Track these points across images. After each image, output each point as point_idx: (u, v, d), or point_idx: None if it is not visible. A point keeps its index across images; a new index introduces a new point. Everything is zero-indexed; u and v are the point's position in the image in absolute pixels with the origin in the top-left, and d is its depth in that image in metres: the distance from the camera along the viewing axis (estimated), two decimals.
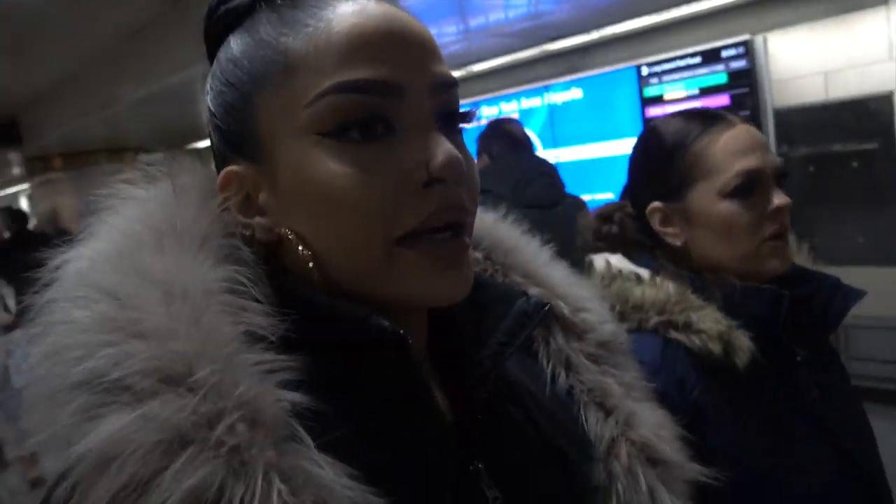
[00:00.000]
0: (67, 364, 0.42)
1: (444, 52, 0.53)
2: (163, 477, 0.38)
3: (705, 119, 1.01)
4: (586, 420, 0.65)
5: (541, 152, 4.90)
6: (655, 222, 1.03)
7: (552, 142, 5.44)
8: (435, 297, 0.50)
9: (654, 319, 0.96)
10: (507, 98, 5.73)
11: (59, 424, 0.40)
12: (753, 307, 0.93)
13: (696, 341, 0.93)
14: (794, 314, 0.97)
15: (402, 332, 0.47)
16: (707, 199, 0.98)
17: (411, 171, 0.47)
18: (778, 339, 0.95)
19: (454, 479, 0.51)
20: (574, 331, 0.68)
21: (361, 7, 0.50)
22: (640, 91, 4.83)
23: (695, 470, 0.67)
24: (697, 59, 4.54)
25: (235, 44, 0.53)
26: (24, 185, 9.74)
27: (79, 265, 0.47)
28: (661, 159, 1.03)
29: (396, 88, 0.48)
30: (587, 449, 0.63)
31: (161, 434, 0.39)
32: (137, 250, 0.47)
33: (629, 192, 1.10)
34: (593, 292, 0.73)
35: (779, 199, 0.96)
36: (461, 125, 0.53)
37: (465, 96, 5.31)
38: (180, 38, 4.09)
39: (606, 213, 1.11)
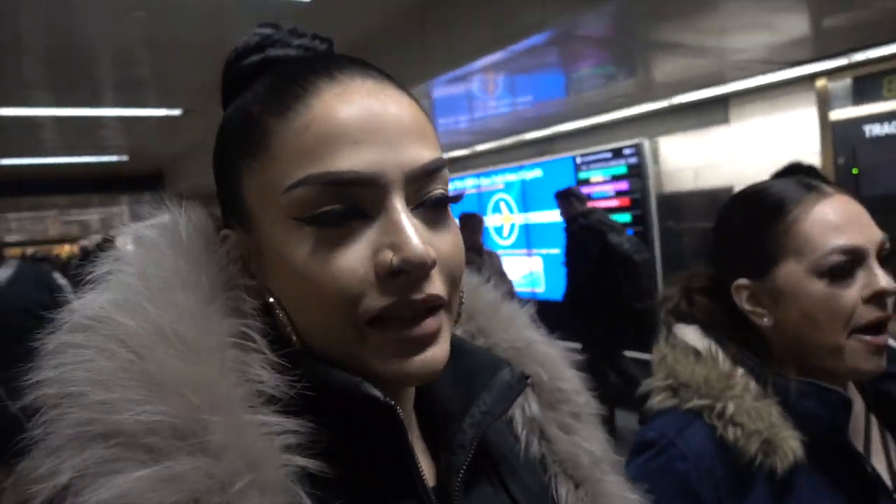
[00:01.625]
0: (87, 412, 0.41)
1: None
2: None
3: (799, 188, 0.92)
4: (557, 491, 0.64)
5: (518, 215, 6.97)
6: (743, 302, 0.93)
7: (524, 207, 7.15)
8: (406, 377, 0.50)
9: (693, 401, 0.89)
10: (495, 173, 7.53)
11: (73, 473, 0.39)
12: (813, 408, 0.82)
13: (730, 434, 0.84)
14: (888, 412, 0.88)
15: (392, 402, 0.48)
16: (797, 278, 0.87)
17: (378, 261, 0.48)
18: (843, 448, 0.84)
19: None
20: (549, 399, 0.67)
21: (342, 89, 0.50)
22: (576, 174, 6.48)
23: None
24: (609, 155, 6.15)
25: (233, 110, 0.55)
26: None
27: (94, 311, 0.47)
28: (746, 232, 0.94)
29: (370, 180, 0.48)
30: None
31: (177, 496, 0.39)
32: (150, 301, 0.47)
33: (715, 265, 1.00)
34: (567, 359, 0.71)
35: (884, 281, 0.84)
36: (447, 203, 0.53)
37: (470, 167, 7.15)
38: None
39: (687, 289, 1.01)
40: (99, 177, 9.32)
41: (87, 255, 4.27)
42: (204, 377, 0.44)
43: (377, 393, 0.48)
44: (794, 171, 1.03)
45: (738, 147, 5.41)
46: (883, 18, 3.66)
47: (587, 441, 0.67)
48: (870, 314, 0.84)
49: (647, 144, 5.88)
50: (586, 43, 3.71)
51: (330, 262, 0.48)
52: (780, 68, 4.70)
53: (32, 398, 0.43)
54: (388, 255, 0.48)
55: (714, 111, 5.49)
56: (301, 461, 0.45)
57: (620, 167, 6.08)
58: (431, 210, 0.51)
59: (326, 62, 0.53)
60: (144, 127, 6.34)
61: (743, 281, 0.93)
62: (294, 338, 0.51)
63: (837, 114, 4.77)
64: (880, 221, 0.95)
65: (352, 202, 0.49)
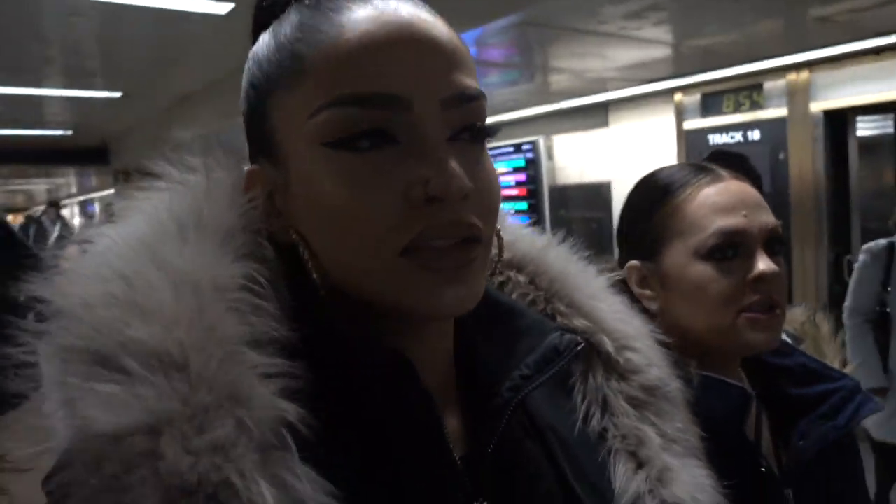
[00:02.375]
0: (70, 332, 0.42)
1: None
2: (144, 461, 0.38)
3: (691, 172, 0.92)
4: (614, 469, 0.59)
5: None
6: (632, 282, 0.93)
7: None
8: (437, 309, 0.47)
9: None
10: None
11: (56, 385, 0.41)
12: (714, 403, 0.80)
13: None
14: (794, 414, 0.90)
15: (404, 355, 0.47)
16: (681, 259, 0.87)
17: (411, 187, 0.46)
18: (741, 444, 0.84)
19: None
20: (616, 370, 0.63)
21: (378, 13, 0.48)
22: None
23: None
24: (511, 149, 6.95)
25: (261, 44, 0.53)
26: (112, 191, 12.77)
27: (101, 245, 0.48)
28: (639, 214, 0.95)
29: (401, 101, 0.46)
30: (608, 500, 0.58)
31: (146, 414, 0.39)
32: (159, 238, 0.47)
33: (619, 247, 1.01)
34: (646, 332, 0.67)
35: (763, 264, 0.84)
36: (484, 138, 0.51)
37: None
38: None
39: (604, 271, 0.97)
40: (44, 149, 9.66)
41: (31, 222, 4.72)
42: (198, 313, 0.43)
43: (394, 349, 0.47)
44: (719, 158, 1.05)
45: (615, 147, 6.25)
46: (725, 48, 4.50)
47: (659, 418, 0.62)
48: (753, 296, 0.84)
49: (542, 141, 6.69)
50: (495, 50, 4.43)
51: (360, 189, 0.46)
52: (646, 82, 5.54)
53: (27, 313, 0.44)
54: (421, 184, 0.46)
55: (597, 115, 6.32)
56: (289, 406, 0.42)
57: (520, 160, 6.88)
58: (467, 142, 0.49)
59: None
60: (88, 106, 6.84)
61: (634, 263, 0.93)
62: (315, 276, 0.49)
63: (689, 124, 5.65)
64: None
65: (382, 126, 0.46)
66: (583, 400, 0.62)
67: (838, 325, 1.10)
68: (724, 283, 0.85)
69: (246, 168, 0.54)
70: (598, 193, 6.38)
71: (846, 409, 0.88)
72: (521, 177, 6.88)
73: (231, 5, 3.65)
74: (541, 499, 0.55)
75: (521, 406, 0.54)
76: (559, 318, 0.63)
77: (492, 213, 0.51)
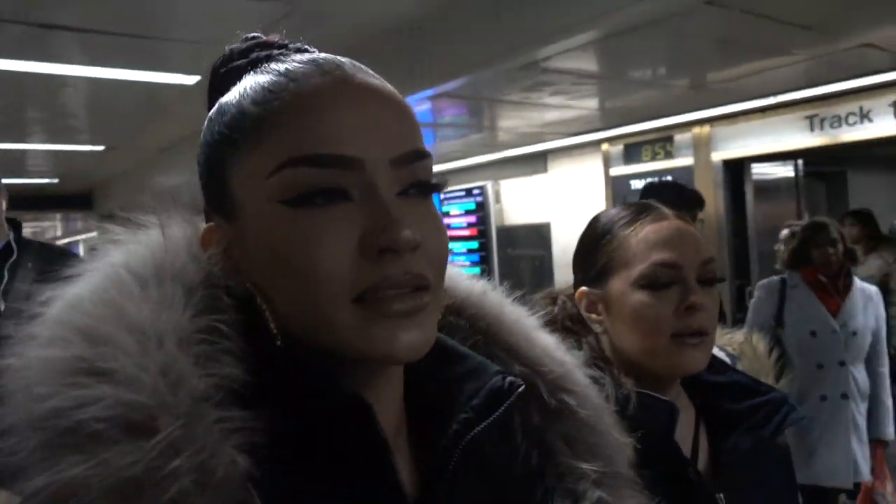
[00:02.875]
0: (33, 400, 0.42)
1: None
2: None
3: (637, 210, 1.01)
4: None
5: None
6: (582, 307, 1.02)
7: None
8: (393, 354, 0.48)
9: None
10: None
11: (17, 458, 0.40)
12: (646, 416, 0.87)
13: None
14: (729, 426, 0.97)
15: (364, 399, 0.48)
16: (623, 287, 0.96)
17: (364, 240, 0.48)
18: (672, 453, 0.91)
19: None
20: (552, 411, 0.64)
21: (331, 80, 0.50)
22: (440, 207, 7.91)
23: None
24: (462, 193, 7.62)
25: (221, 105, 0.54)
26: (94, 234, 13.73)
27: (62, 303, 0.47)
28: (590, 245, 1.04)
29: (354, 162, 0.48)
30: None
31: (113, 484, 0.39)
32: (119, 295, 0.47)
33: (574, 273, 1.09)
34: (576, 366, 0.68)
35: (694, 296, 0.92)
36: (430, 193, 0.53)
37: None
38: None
39: (553, 295, 1.09)
40: (29, 196, 10.14)
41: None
42: (162, 369, 0.43)
43: (350, 390, 0.48)
44: (658, 188, 1.49)
45: (553, 190, 6.93)
46: (642, 107, 5.18)
47: (591, 454, 0.62)
48: (683, 323, 0.91)
49: (489, 186, 7.36)
50: (448, 107, 5.05)
51: (315, 243, 0.47)
52: (577, 134, 6.23)
53: None
54: (374, 236, 0.47)
55: (537, 162, 7.01)
56: (249, 463, 0.43)
57: (471, 204, 7.54)
58: (415, 197, 0.51)
59: (312, 55, 0.54)
60: (72, 158, 7.40)
61: (583, 289, 1.01)
62: (272, 325, 0.50)
63: (614, 170, 6.36)
64: None
65: (336, 184, 0.48)
66: (522, 441, 0.63)
67: (772, 345, 1.22)
68: (657, 309, 0.92)
69: (202, 224, 0.55)
70: (539, 233, 7.03)
71: (773, 420, 0.95)
72: (472, 218, 7.53)
73: (198, 77, 4.27)
74: None
75: (468, 448, 0.54)
76: (497, 363, 0.62)
77: (440, 264, 0.52)
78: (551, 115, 5.43)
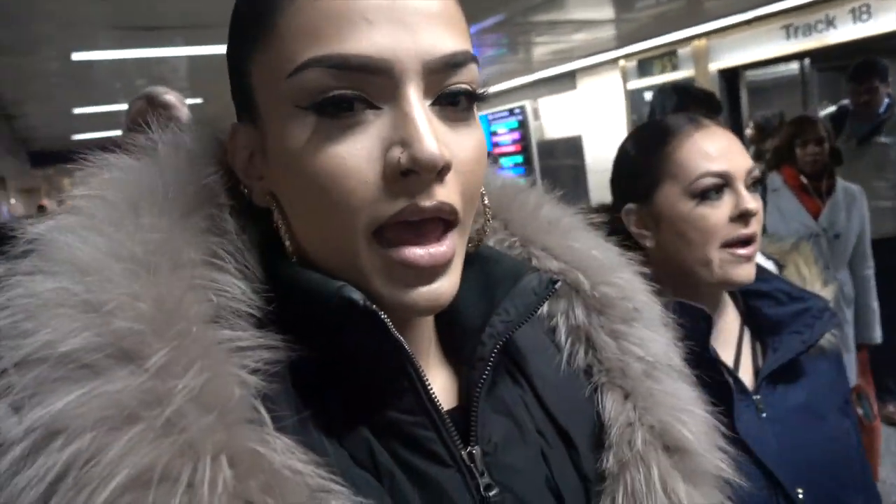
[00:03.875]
0: (20, 336, 0.40)
1: None
2: (106, 454, 0.36)
3: (679, 121, 1.00)
4: (602, 402, 0.59)
5: None
6: (630, 224, 1.01)
7: None
8: (407, 310, 0.46)
9: None
10: None
11: (10, 396, 0.38)
12: (682, 324, 0.82)
13: None
14: (766, 334, 1.00)
15: (373, 307, 0.44)
16: (672, 200, 0.95)
17: (386, 158, 0.43)
18: (708, 358, 0.91)
19: (443, 463, 0.48)
20: (595, 305, 0.62)
21: None
22: (489, 128, 8.90)
23: (716, 460, 0.60)
24: (506, 113, 8.58)
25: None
26: None
27: (48, 237, 0.45)
28: (635, 161, 1.03)
29: (382, 65, 0.43)
30: (598, 434, 0.59)
31: (106, 411, 0.37)
32: (110, 222, 0.45)
33: (613, 192, 1.08)
34: (623, 262, 0.67)
35: (748, 202, 0.92)
36: (472, 103, 0.48)
37: None
38: None
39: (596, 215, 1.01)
40: None
41: None
42: (153, 296, 0.42)
43: (357, 296, 0.43)
44: (688, 92, 1.48)
45: (581, 106, 7.77)
46: (653, 23, 5.85)
47: (640, 346, 0.61)
48: (736, 231, 0.92)
49: (528, 105, 8.27)
50: (485, 37, 5.98)
51: (333, 157, 0.43)
52: (596, 53, 7.02)
53: None
54: (397, 153, 0.43)
55: (567, 81, 7.84)
56: (255, 379, 0.41)
57: (514, 122, 8.51)
58: (452, 107, 0.46)
59: None
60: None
61: (630, 206, 1.01)
62: (287, 243, 0.48)
63: (631, 84, 7.12)
64: None
65: (360, 90, 0.43)
66: (566, 339, 0.62)
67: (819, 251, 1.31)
68: (712, 218, 0.93)
69: (233, 123, 0.52)
70: (573, 144, 7.93)
71: (814, 325, 0.98)
72: (516, 135, 8.51)
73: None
74: (532, 442, 0.54)
75: (503, 351, 0.53)
76: (535, 262, 0.61)
77: (474, 191, 0.48)
78: (578, 36, 6.23)
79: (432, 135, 0.43)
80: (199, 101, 8.18)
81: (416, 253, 0.45)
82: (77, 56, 4.98)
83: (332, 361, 0.48)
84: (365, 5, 0.43)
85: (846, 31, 5.31)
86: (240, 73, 0.50)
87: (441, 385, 0.53)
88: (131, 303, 0.41)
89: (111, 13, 4.16)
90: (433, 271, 0.46)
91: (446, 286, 0.47)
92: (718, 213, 0.93)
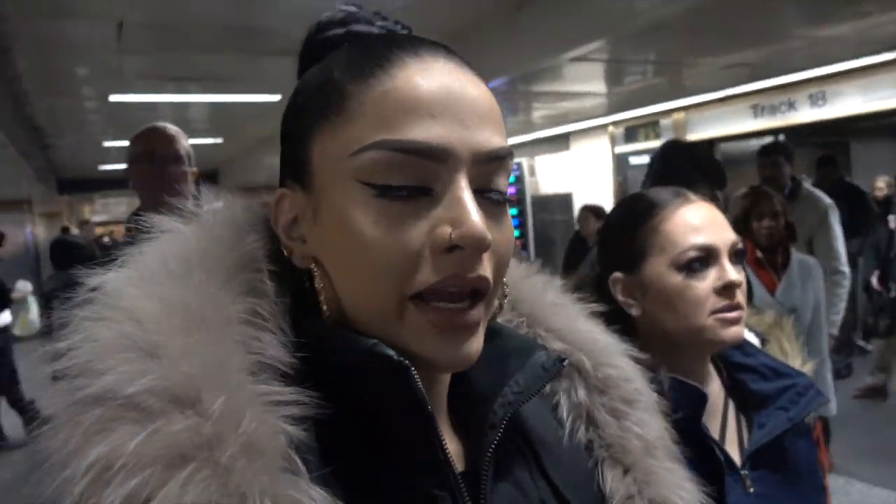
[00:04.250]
0: (86, 378, 0.43)
1: None
2: (163, 491, 0.39)
3: (666, 195, 1.04)
4: (603, 476, 0.63)
5: None
6: (617, 293, 1.03)
7: None
8: (436, 362, 0.49)
9: None
10: None
11: (74, 436, 0.41)
12: (678, 400, 0.90)
13: None
14: (749, 408, 1.02)
15: (406, 361, 0.47)
16: (660, 271, 0.99)
17: (435, 234, 0.47)
18: (700, 435, 0.93)
19: None
20: (597, 385, 0.66)
21: (426, 67, 0.50)
22: None
23: None
24: None
25: (311, 75, 0.55)
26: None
27: (110, 287, 0.48)
28: (622, 231, 1.06)
29: (439, 153, 0.47)
30: None
31: (163, 451, 0.40)
32: (166, 278, 0.49)
33: (600, 261, 1.11)
34: (621, 349, 0.70)
35: (731, 274, 0.96)
36: (506, 201, 0.52)
37: None
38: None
39: (580, 282, 1.05)
40: None
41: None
42: (206, 347, 0.45)
43: (391, 352, 0.47)
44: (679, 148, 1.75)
45: (573, 166, 8.33)
46: (638, 95, 6.40)
47: (639, 426, 0.65)
48: (721, 302, 0.95)
49: (525, 162, 8.83)
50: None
51: (389, 229, 0.47)
52: (588, 119, 7.60)
53: (52, 371, 0.45)
54: (447, 230, 0.47)
55: (561, 142, 8.43)
56: (296, 430, 0.44)
57: (511, 177, 8.98)
58: (490, 200, 0.50)
59: (411, 40, 0.52)
60: (200, 149, 9.50)
61: (617, 274, 1.03)
62: (324, 307, 0.51)
63: (618, 149, 7.69)
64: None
65: (419, 174, 0.47)
66: (567, 415, 0.65)
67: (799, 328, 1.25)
68: (697, 289, 0.95)
69: (281, 189, 0.55)
70: (564, 201, 8.46)
71: (799, 402, 0.99)
72: (513, 190, 8.96)
73: (279, 96, 6.01)
74: None
75: (511, 423, 0.55)
76: (540, 342, 0.63)
77: (502, 272, 0.52)
78: (572, 103, 6.82)
79: (480, 216, 0.47)
80: (219, 140, 8.89)
81: (452, 312, 0.47)
82: (114, 98, 5.65)
83: (357, 419, 0.49)
84: (429, 102, 0.48)
85: (805, 114, 5.87)
86: (297, 142, 0.53)
87: (452, 449, 0.54)
88: (185, 351, 0.44)
89: (147, 64, 4.80)
90: (465, 329, 0.48)
91: (474, 347, 0.49)
92: (705, 284, 0.96)
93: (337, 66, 0.52)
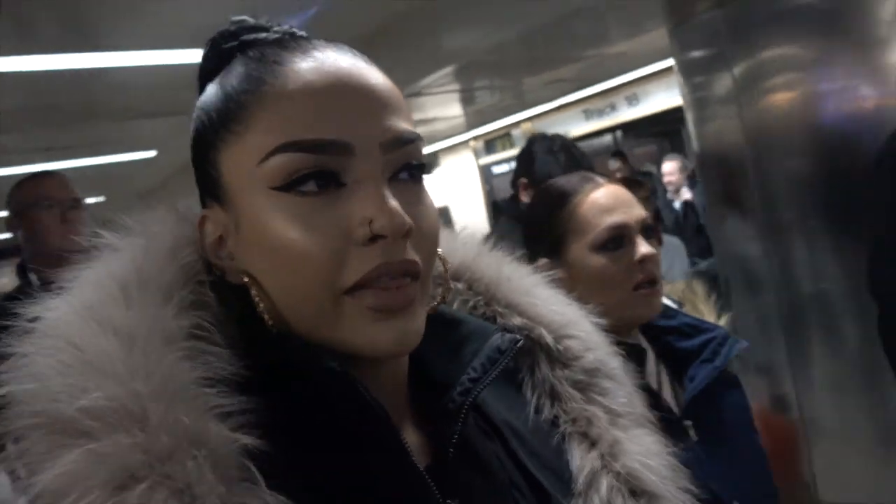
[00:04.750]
0: (27, 405, 0.43)
1: None
2: None
3: (576, 181, 1.12)
4: (570, 451, 0.62)
5: None
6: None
7: None
8: (380, 350, 0.49)
9: None
10: None
11: (21, 464, 0.41)
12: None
13: None
14: (679, 365, 1.10)
15: (349, 372, 0.47)
16: (581, 254, 1.06)
17: (355, 227, 0.47)
18: (645, 390, 0.90)
19: None
20: (559, 359, 0.66)
21: (318, 64, 0.50)
22: None
23: (680, 502, 0.62)
24: None
25: (208, 93, 0.54)
26: None
27: (49, 317, 0.48)
28: (541, 219, 1.13)
29: (343, 146, 0.48)
30: (567, 482, 0.61)
31: (112, 471, 0.39)
32: (104, 303, 0.48)
33: (526, 251, 1.04)
34: (581, 316, 0.70)
35: (644, 248, 1.04)
36: (421, 176, 0.53)
37: None
38: None
39: None
40: None
41: None
42: (149, 365, 0.44)
43: (333, 364, 0.47)
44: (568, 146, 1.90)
45: (445, 180, 9.09)
46: (491, 110, 7.06)
47: (603, 396, 0.65)
48: (639, 275, 1.04)
49: None
50: None
51: (307, 230, 0.47)
52: (452, 136, 8.34)
53: None
54: (366, 222, 0.47)
55: (432, 160, 9.14)
56: (249, 438, 0.43)
57: None
58: (405, 182, 0.51)
59: (300, 41, 0.53)
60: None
61: (543, 261, 1.09)
62: (266, 316, 0.50)
63: (481, 161, 8.51)
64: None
65: (328, 170, 0.48)
66: (532, 392, 0.65)
67: (711, 288, 1.39)
68: (617, 267, 1.05)
69: (202, 212, 0.54)
70: (443, 214, 9.14)
71: (721, 351, 1.09)
72: None
73: (154, 152, 6.34)
74: (506, 493, 0.56)
75: (474, 407, 0.55)
76: (499, 319, 0.65)
77: (432, 248, 0.52)
78: (438, 125, 7.48)
79: (396, 203, 0.47)
80: (101, 199, 8.93)
81: (383, 294, 0.47)
82: None
83: (311, 425, 0.49)
84: (326, 98, 0.49)
85: (623, 114, 6.87)
86: (207, 161, 0.53)
87: (415, 442, 0.54)
88: (129, 372, 0.44)
89: (21, 140, 5.13)
90: (399, 310, 0.48)
91: (413, 327, 0.49)
92: (621, 261, 1.04)
93: (231, 79, 0.53)
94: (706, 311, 1.32)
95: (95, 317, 0.47)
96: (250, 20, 0.57)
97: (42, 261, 1.84)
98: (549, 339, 0.66)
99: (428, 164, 0.54)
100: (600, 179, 1.13)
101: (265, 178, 0.48)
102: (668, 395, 1.10)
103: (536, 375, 0.66)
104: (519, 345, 0.58)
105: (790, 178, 2.01)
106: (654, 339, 1.15)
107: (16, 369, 0.45)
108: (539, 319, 0.67)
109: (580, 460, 0.61)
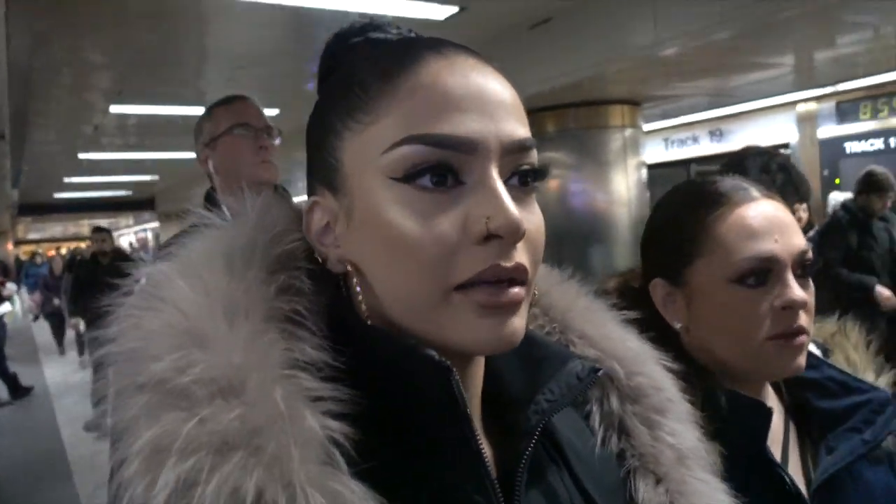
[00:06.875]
0: (135, 364, 0.45)
1: None
2: (217, 475, 0.40)
3: (724, 187, 0.86)
4: (634, 486, 0.62)
5: None
6: (657, 300, 0.88)
7: None
8: (481, 344, 0.49)
9: None
10: None
11: (124, 419, 0.43)
12: (734, 420, 0.77)
13: None
14: (823, 428, 0.86)
15: (448, 362, 0.48)
16: (709, 281, 0.83)
17: (472, 225, 0.48)
18: (764, 459, 0.80)
19: None
20: (629, 394, 0.66)
21: (449, 62, 0.51)
22: None
23: None
24: None
25: (335, 81, 0.56)
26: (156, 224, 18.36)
27: (157, 278, 0.50)
28: (666, 229, 0.90)
29: (469, 145, 0.48)
30: None
31: (212, 437, 0.41)
32: (210, 271, 0.50)
33: (642, 258, 0.95)
34: (653, 357, 0.69)
35: (796, 293, 0.79)
36: (535, 183, 0.53)
37: None
38: None
39: (615, 286, 0.95)
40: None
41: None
42: (250, 340, 0.46)
43: (432, 353, 0.48)
44: (750, 156, 1.39)
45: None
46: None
47: (672, 436, 0.64)
48: (782, 324, 0.79)
49: None
50: None
51: (424, 222, 0.48)
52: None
53: (99, 355, 0.47)
54: (483, 221, 0.47)
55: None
56: (336, 424, 0.44)
57: None
58: (516, 187, 0.51)
59: (432, 40, 0.54)
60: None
61: (658, 280, 0.88)
62: (363, 307, 0.52)
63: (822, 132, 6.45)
64: None
65: (450, 167, 0.48)
66: (599, 424, 0.64)
67: (869, 334, 1.01)
68: (753, 309, 0.79)
69: (312, 198, 0.55)
70: None
71: (876, 421, 0.84)
72: None
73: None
74: None
75: (544, 430, 0.55)
76: (572, 348, 0.65)
77: (538, 257, 0.52)
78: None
79: (514, 205, 0.47)
80: (156, 178, 11.35)
81: (492, 295, 0.48)
82: (82, 156, 7.50)
83: (395, 419, 0.50)
84: (456, 96, 0.49)
85: (706, 147, 6.87)
86: (326, 147, 0.54)
87: (487, 453, 0.53)
88: (230, 342, 0.45)
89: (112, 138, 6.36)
90: (507, 309, 0.48)
91: (517, 325, 0.49)
92: (763, 301, 0.80)
93: (361, 68, 0.53)
94: (861, 364, 0.99)
95: (202, 285, 0.49)
96: (374, 20, 0.60)
97: (233, 190, 1.64)
98: (621, 373, 0.66)
99: (543, 172, 0.54)
100: (757, 191, 0.85)
101: (387, 168, 0.49)
102: (795, 465, 0.87)
103: (605, 408, 0.66)
104: (599, 374, 0.58)
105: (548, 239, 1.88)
106: (789, 394, 0.93)
107: (124, 324, 0.48)
108: (612, 353, 0.67)
109: (646, 495, 0.61)
